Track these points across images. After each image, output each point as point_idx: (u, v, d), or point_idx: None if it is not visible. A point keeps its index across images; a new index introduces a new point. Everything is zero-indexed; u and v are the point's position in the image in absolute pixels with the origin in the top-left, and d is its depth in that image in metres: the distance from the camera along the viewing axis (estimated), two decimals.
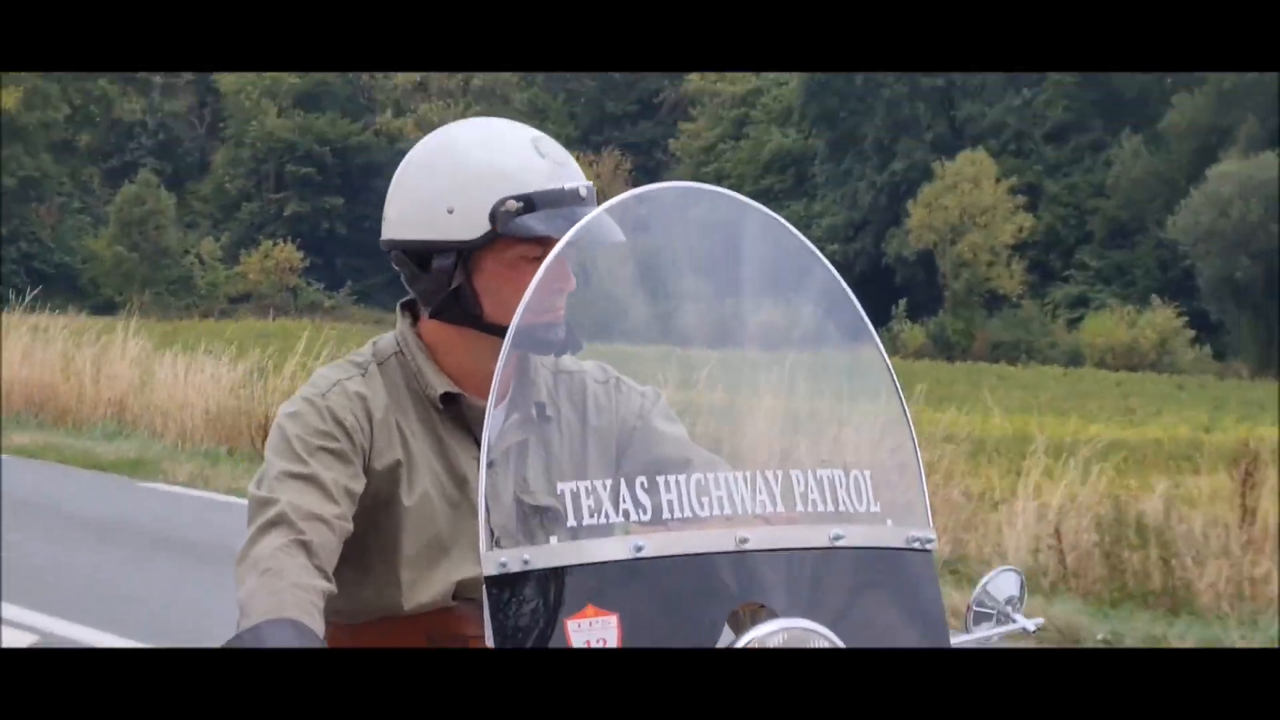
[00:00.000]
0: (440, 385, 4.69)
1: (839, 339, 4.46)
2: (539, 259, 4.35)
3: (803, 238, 4.38)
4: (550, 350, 4.71)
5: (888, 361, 4.41)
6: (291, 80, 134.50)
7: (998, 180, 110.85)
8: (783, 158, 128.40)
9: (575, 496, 4.06)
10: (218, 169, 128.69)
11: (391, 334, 4.92)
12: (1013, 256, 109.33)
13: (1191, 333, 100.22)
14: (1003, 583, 4.75)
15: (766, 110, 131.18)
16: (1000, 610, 4.74)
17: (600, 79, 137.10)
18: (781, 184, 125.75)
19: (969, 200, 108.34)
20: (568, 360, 4.82)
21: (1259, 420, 48.68)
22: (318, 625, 4.31)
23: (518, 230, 4.51)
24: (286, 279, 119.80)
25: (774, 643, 4.06)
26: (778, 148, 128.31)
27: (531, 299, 4.16)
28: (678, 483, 4.09)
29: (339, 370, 4.85)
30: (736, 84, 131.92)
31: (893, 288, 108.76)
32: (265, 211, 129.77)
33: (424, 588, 4.65)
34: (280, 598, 4.29)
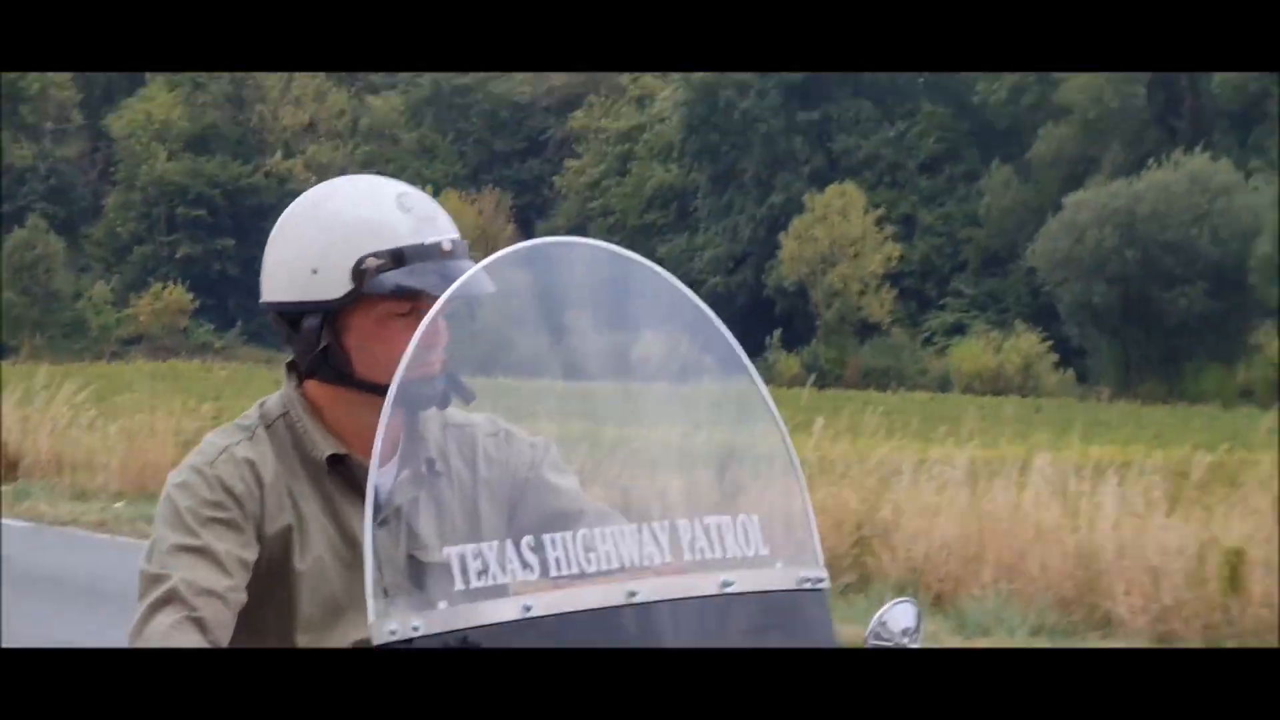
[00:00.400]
0: (326, 447, 4.65)
1: (717, 378, 4.50)
2: (406, 315, 4.48)
3: (677, 281, 4.34)
4: (430, 404, 4.68)
5: (769, 400, 4.39)
6: (181, 124, 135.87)
7: (866, 211, 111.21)
8: (665, 192, 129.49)
9: (462, 558, 4.06)
10: (110, 213, 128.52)
11: (278, 395, 4.86)
12: (882, 285, 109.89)
13: (1055, 357, 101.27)
14: (899, 614, 4.69)
15: (649, 146, 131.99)
16: (896, 642, 4.67)
17: (489, 118, 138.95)
18: (664, 219, 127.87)
19: (838, 231, 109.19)
20: (457, 414, 4.81)
21: (1101, 439, 48.32)
22: None
23: (380, 287, 4.51)
24: (177, 320, 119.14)
25: None
26: (660, 183, 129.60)
27: (397, 355, 4.24)
28: (564, 540, 4.12)
29: (226, 436, 4.81)
30: (620, 120, 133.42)
31: (773, 318, 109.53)
32: (157, 254, 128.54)
33: (324, 642, 4.67)
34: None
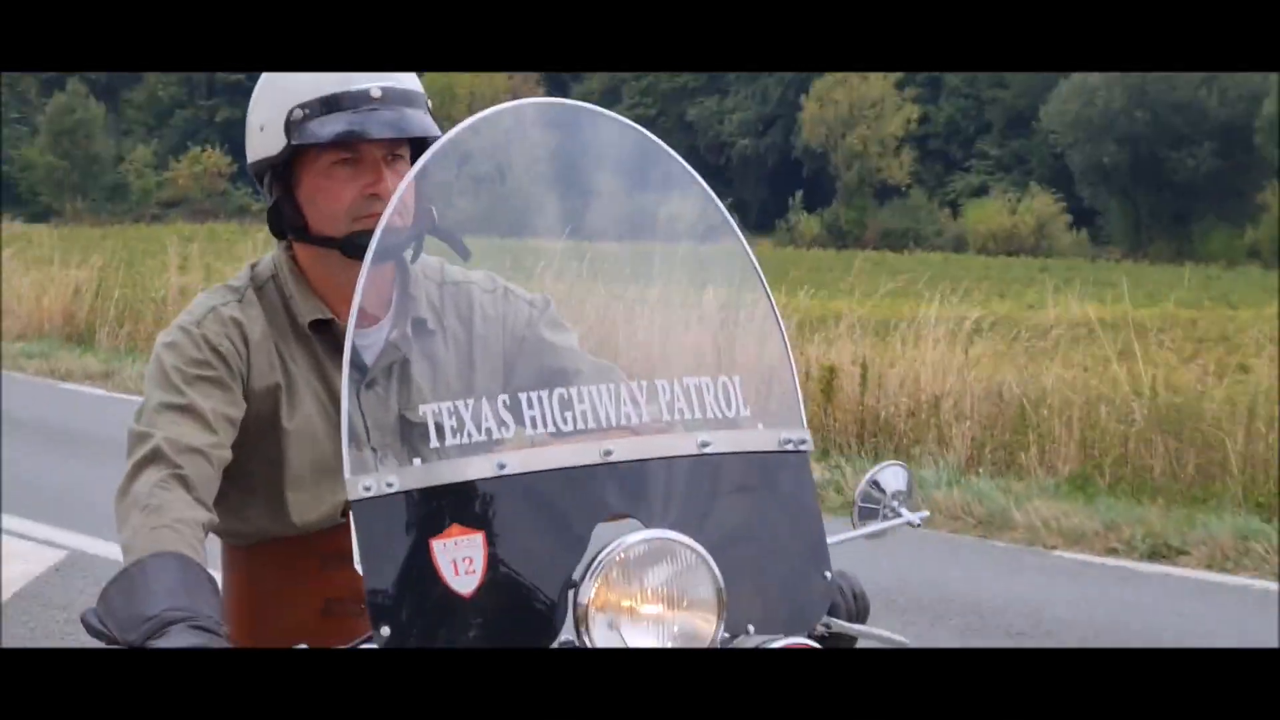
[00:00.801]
0: (309, 313, 4.70)
1: (703, 239, 4.50)
2: (347, 163, 4.51)
3: (661, 143, 4.36)
4: (391, 256, 4.66)
5: (755, 261, 4.41)
6: None
7: (885, 74, 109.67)
8: None
9: (438, 416, 4.11)
10: (151, 77, 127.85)
11: (270, 256, 4.89)
12: (901, 147, 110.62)
13: (1069, 218, 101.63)
14: (889, 477, 4.77)
15: None
16: (887, 505, 4.76)
17: None
18: (696, 81, 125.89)
19: (858, 94, 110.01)
20: (455, 271, 4.85)
21: (1094, 298, 47.44)
22: (200, 557, 4.42)
23: (308, 137, 4.52)
24: (216, 184, 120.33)
25: (628, 553, 4.09)
26: None
27: (342, 207, 4.46)
28: (540, 398, 4.15)
29: (215, 296, 4.86)
30: None
31: (800, 180, 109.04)
32: (197, 118, 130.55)
33: (312, 507, 4.69)
34: (161, 534, 4.35)
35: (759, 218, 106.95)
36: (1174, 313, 47.27)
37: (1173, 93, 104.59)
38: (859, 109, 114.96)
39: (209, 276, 33.01)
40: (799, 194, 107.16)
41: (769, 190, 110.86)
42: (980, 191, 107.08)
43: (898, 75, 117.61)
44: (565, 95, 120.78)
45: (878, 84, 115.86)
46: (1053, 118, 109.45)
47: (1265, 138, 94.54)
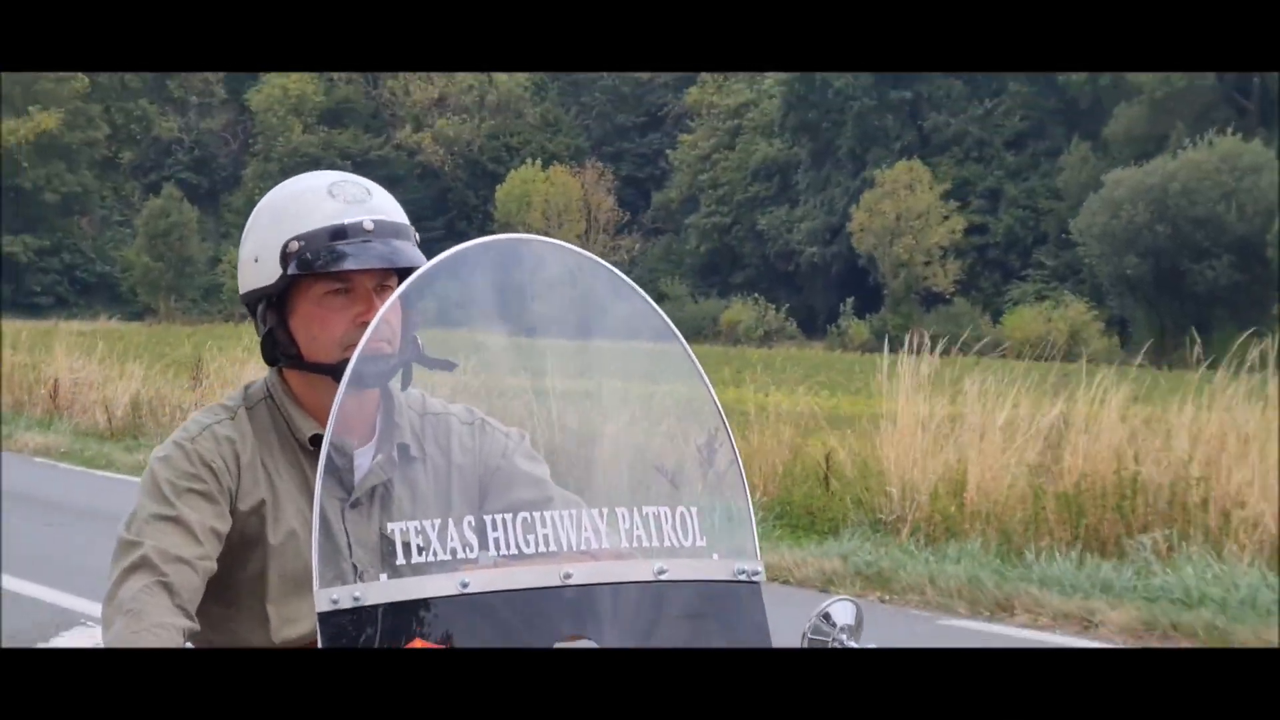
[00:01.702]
0: (308, 429, 4.85)
1: (665, 373, 4.71)
2: (341, 293, 4.78)
3: (619, 273, 4.68)
4: (379, 382, 4.83)
5: (713, 394, 4.67)
6: (316, 99, 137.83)
7: (931, 186, 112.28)
8: (769, 166, 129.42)
9: (405, 534, 4.28)
10: (248, 182, 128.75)
11: (262, 379, 5.08)
12: (946, 256, 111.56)
13: (1101, 325, 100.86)
14: (839, 611, 4.77)
15: (755, 122, 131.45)
16: (835, 637, 4.77)
17: (611, 93, 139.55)
18: (767, 191, 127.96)
19: (904, 205, 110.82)
20: (435, 403, 5.06)
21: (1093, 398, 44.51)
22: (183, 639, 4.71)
23: (303, 268, 4.72)
24: None
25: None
26: (764, 157, 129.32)
27: (335, 335, 4.75)
28: (504, 520, 4.34)
29: (209, 415, 5.03)
30: (730, 97, 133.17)
31: (865, 286, 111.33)
32: None
33: (291, 623, 4.83)
34: (141, 638, 4.57)
35: (823, 323, 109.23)
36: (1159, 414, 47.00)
37: (1193, 207, 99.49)
38: (906, 219, 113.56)
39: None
40: (850, 300, 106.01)
41: (836, 296, 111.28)
42: (1039, 299, 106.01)
43: (944, 186, 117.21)
44: (648, 198, 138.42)
45: (924, 196, 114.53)
46: (1082, 231, 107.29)
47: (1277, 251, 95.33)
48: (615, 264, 4.69)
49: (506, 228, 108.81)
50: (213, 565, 4.71)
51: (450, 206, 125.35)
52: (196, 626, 4.70)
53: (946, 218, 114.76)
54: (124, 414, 37.08)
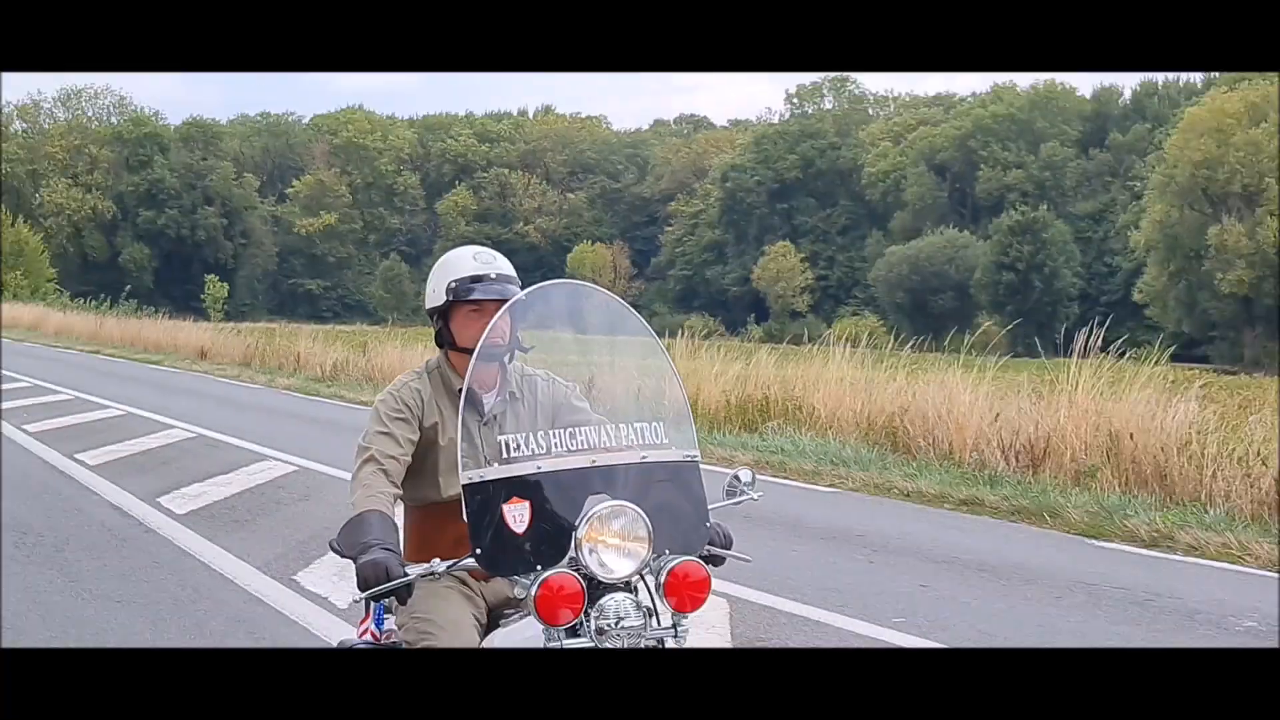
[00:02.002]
0: (458, 383, 4.95)
1: (648, 354, 5.00)
2: (476, 311, 5.07)
3: (615, 296, 5.09)
4: (495, 359, 5.10)
5: (673, 365, 4.97)
6: (471, 206, 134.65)
7: (796, 255, 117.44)
8: (711, 244, 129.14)
9: (507, 441, 4.60)
10: (435, 252, 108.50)
11: (436, 357, 5.36)
12: (803, 293, 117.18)
13: (883, 329, 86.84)
14: (744, 475, 5.10)
15: (705, 220, 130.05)
16: (741, 490, 5.10)
17: (628, 204, 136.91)
18: (711, 257, 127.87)
19: (781, 265, 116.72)
20: (529, 369, 5.24)
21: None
22: (390, 513, 4.91)
23: (457, 296, 5.09)
24: None
25: (603, 512, 4.52)
26: (710, 239, 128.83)
27: (474, 334, 4.93)
28: (559, 433, 4.67)
29: (408, 376, 5.35)
30: (691, 206, 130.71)
31: (762, 308, 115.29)
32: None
33: (451, 486, 4.92)
34: (371, 499, 4.88)
35: (739, 328, 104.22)
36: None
37: (931, 267, 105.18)
38: (782, 274, 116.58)
39: None
40: (753, 315, 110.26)
41: (746, 314, 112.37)
42: (853, 315, 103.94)
43: (803, 255, 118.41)
44: (648, 261, 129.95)
45: (792, 260, 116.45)
46: (874, 280, 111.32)
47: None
48: (625, 298, 5.33)
49: (570, 277, 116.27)
50: (409, 459, 5.11)
51: (543, 266, 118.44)
52: (400, 492, 5.11)
53: (803, 272, 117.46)
54: (329, 369, 36.43)
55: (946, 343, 20.20)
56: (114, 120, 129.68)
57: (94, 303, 66.53)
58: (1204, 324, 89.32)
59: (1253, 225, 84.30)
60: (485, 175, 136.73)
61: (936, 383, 19.06)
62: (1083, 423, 16.44)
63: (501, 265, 5.21)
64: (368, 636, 5.46)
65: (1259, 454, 14.51)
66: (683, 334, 25.67)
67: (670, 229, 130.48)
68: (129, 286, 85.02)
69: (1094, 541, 13.67)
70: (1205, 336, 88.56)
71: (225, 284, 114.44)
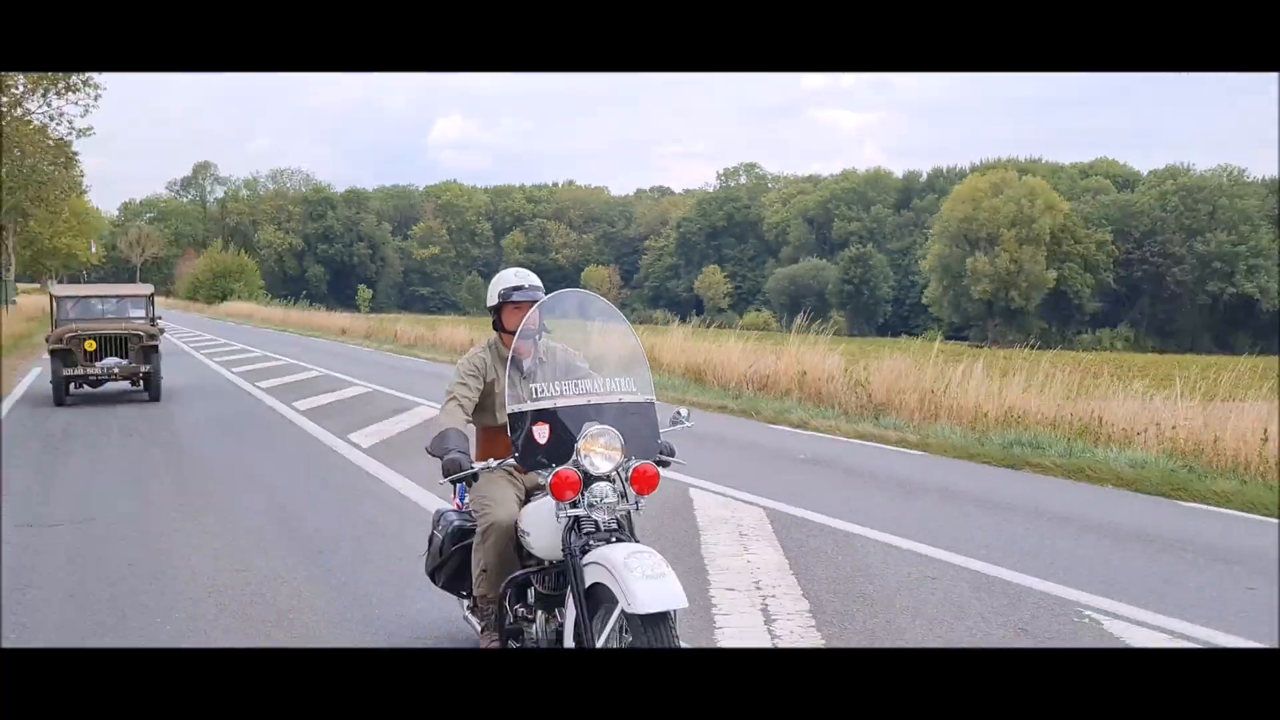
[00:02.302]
0: (507, 354, 4.57)
1: (625, 337, 4.60)
2: (518, 307, 4.80)
3: (608, 301, 4.70)
4: (532, 337, 4.68)
5: (639, 343, 4.56)
6: (521, 243, 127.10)
7: (722, 275, 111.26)
8: (669, 267, 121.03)
9: (535, 387, 4.36)
10: (494, 273, 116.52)
11: (494, 337, 5.00)
12: (726, 297, 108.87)
13: (776, 321, 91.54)
14: (683, 411, 4.77)
15: (665, 249, 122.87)
16: (682, 420, 4.72)
17: (619, 241, 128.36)
18: (673, 276, 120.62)
19: (714, 281, 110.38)
20: (551, 343, 4.82)
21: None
22: (465, 430, 4.57)
23: (505, 299, 4.85)
24: (616, 295, 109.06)
25: (593, 432, 4.22)
26: (669, 264, 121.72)
27: (516, 322, 4.67)
28: (568, 384, 4.38)
29: (477, 348, 5.02)
30: (660, 242, 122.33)
31: (701, 307, 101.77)
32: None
33: (501, 416, 4.60)
34: (450, 421, 4.62)
35: (688, 319, 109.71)
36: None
37: (806, 281, 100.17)
38: (714, 287, 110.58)
39: None
40: (693, 310, 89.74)
41: (688, 310, 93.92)
42: (756, 311, 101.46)
43: (728, 274, 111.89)
44: (630, 280, 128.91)
45: (719, 278, 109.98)
46: (768, 290, 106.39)
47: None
48: (616, 301, 6.11)
49: (582, 288, 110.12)
50: (476, 399, 4.81)
51: (566, 280, 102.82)
52: (470, 419, 4.76)
53: (725, 285, 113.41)
54: (412, 340, 33.48)
55: (811, 327, 18.85)
56: (302, 188, 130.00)
57: (287, 302, 68.73)
58: (965, 317, 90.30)
59: (992, 258, 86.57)
60: (532, 223, 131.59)
61: (746, 349, 19.10)
62: (791, 366, 17.22)
63: (533, 279, 4.96)
64: (454, 507, 5.27)
65: (863, 380, 15.32)
66: (654, 322, 25.37)
67: (645, 257, 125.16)
68: (304, 292, 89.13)
69: (771, 426, 14.52)
70: (966, 325, 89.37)
71: (370, 290, 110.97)
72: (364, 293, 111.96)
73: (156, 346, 15.98)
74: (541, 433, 4.26)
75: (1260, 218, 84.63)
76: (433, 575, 5.07)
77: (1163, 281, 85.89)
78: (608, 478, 4.23)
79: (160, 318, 17.43)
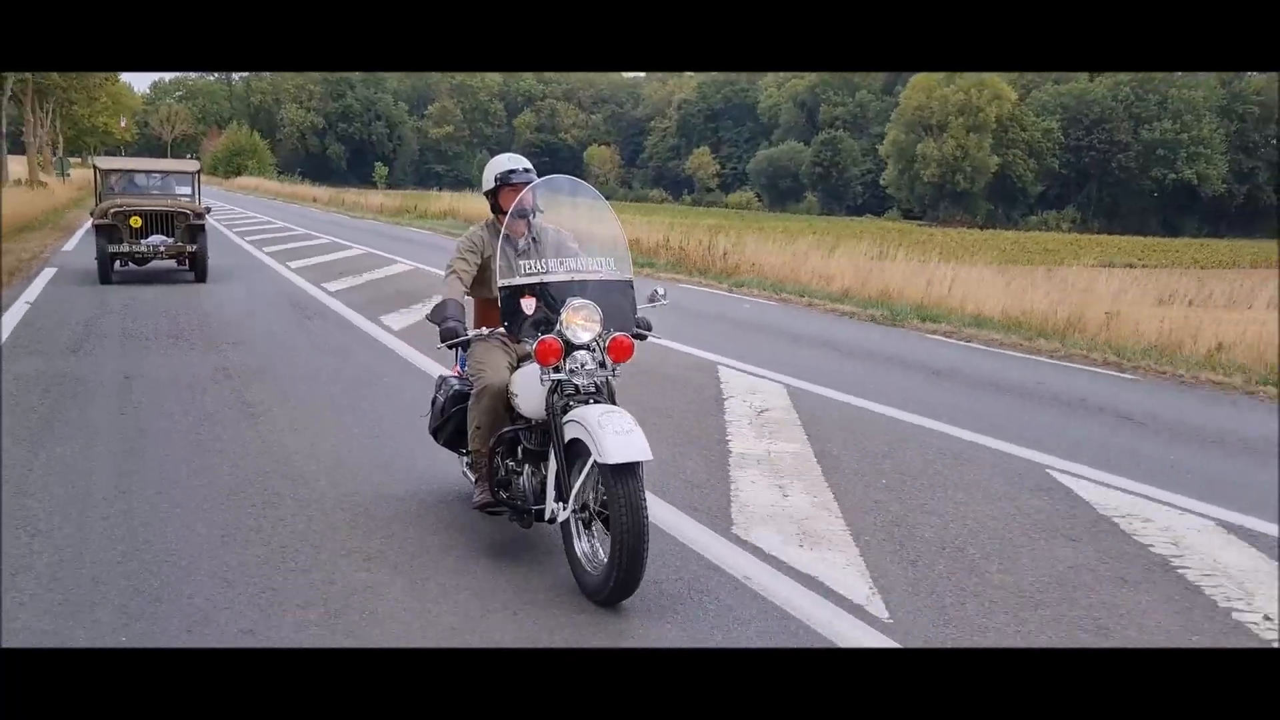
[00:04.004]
0: (504, 231, 4.59)
1: (607, 216, 4.62)
2: (514, 188, 4.70)
3: (592, 188, 4.72)
4: (523, 217, 4.69)
5: (619, 224, 4.60)
6: (530, 123, 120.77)
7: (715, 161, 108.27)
8: (666, 154, 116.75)
9: (528, 263, 4.36)
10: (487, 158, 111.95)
11: (491, 217, 4.90)
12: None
13: (760, 201, 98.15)
14: (660, 288, 4.77)
15: (665, 129, 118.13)
16: (659, 298, 4.71)
17: (627, 122, 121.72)
18: (674, 156, 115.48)
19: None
20: (544, 224, 4.77)
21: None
22: (462, 301, 4.59)
23: (503, 181, 4.77)
24: (618, 175, 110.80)
25: (576, 304, 4.23)
26: (668, 148, 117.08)
27: (511, 203, 4.64)
28: (555, 262, 4.40)
29: (476, 227, 4.94)
30: (665, 122, 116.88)
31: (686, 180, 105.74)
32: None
33: (495, 290, 4.49)
34: (451, 293, 4.62)
35: (680, 198, 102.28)
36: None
37: (787, 164, 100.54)
38: (703, 165, 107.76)
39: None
40: (686, 190, 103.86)
41: (684, 190, 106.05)
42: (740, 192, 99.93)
43: (716, 157, 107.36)
44: (631, 163, 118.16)
45: (708, 157, 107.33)
46: (750, 172, 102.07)
47: None
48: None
49: (587, 168, 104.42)
50: (474, 273, 4.75)
51: (573, 158, 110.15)
52: (467, 289, 4.69)
53: (713, 165, 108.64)
54: (399, 208, 33.62)
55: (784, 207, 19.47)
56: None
57: (295, 178, 70.53)
58: (919, 200, 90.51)
59: (940, 144, 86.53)
60: (543, 103, 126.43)
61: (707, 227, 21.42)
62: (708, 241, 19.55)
63: (526, 164, 4.90)
64: (455, 372, 5.26)
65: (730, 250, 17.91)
66: (650, 200, 24.88)
67: (650, 138, 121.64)
68: (297, 171, 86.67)
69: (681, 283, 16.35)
70: (920, 208, 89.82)
71: (386, 168, 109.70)
72: (380, 170, 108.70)
73: (203, 226, 15.12)
74: (529, 305, 4.31)
75: (1205, 108, 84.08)
76: (435, 434, 5.17)
77: (1108, 167, 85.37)
78: (588, 347, 4.28)
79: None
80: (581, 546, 4.21)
